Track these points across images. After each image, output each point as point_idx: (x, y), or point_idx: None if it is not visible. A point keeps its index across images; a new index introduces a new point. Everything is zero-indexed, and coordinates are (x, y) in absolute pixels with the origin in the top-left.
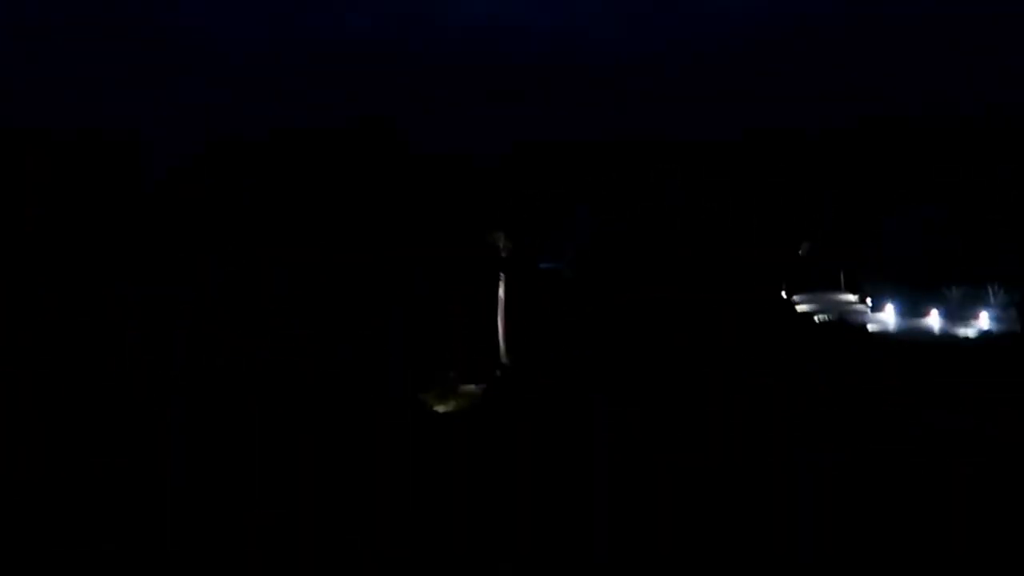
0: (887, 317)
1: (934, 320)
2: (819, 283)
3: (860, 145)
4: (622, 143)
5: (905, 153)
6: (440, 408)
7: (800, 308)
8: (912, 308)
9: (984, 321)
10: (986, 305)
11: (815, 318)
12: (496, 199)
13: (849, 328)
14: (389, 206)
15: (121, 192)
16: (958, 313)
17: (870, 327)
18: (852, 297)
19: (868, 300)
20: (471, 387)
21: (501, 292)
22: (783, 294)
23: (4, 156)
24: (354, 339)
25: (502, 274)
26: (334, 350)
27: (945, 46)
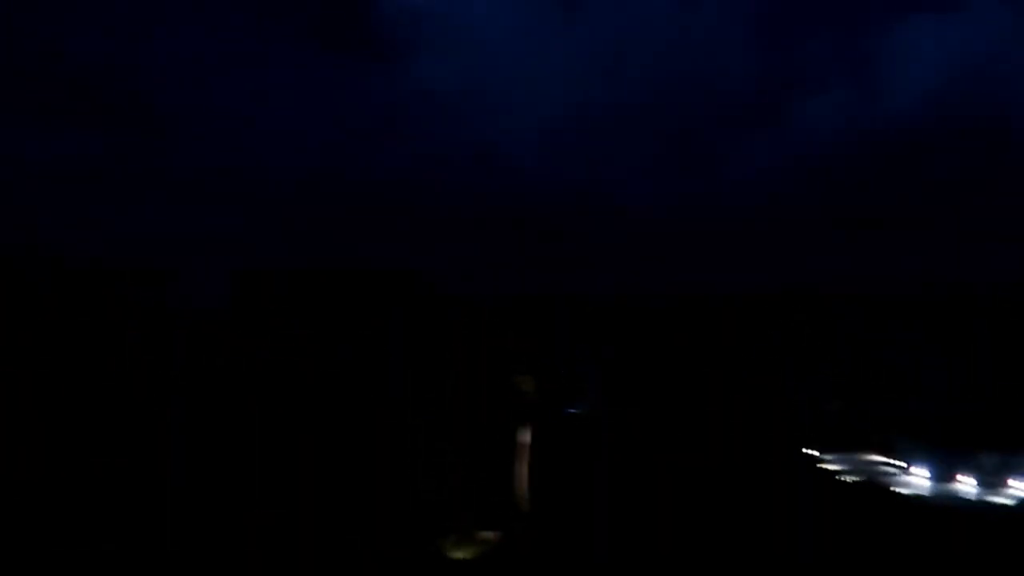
0: (919, 480)
1: (968, 485)
2: (851, 442)
3: (895, 307)
4: (648, 296)
5: (944, 317)
6: (457, 555)
7: (829, 467)
8: (945, 471)
9: (1017, 488)
10: (1019, 472)
11: (843, 478)
12: (523, 344)
13: (878, 490)
14: (417, 349)
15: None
16: (992, 479)
17: (901, 490)
18: (883, 458)
19: (900, 461)
20: (489, 534)
21: (526, 437)
22: (807, 451)
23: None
24: (374, 484)
25: (527, 419)
26: (356, 493)
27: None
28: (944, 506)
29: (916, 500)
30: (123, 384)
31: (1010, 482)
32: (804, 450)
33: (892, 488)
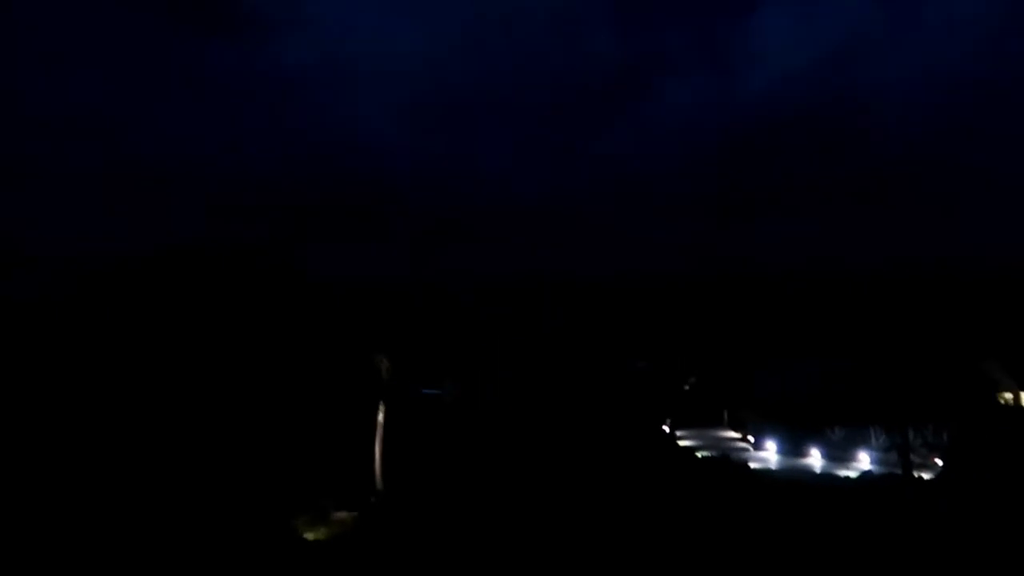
0: (769, 455)
1: (815, 460)
2: (704, 419)
3: (749, 291)
4: (511, 278)
5: (791, 301)
6: (310, 535)
7: (683, 443)
8: (794, 447)
9: (865, 462)
10: (867, 447)
11: (697, 454)
12: (380, 324)
13: (730, 464)
14: (274, 331)
15: None
16: (839, 454)
17: (752, 465)
18: (735, 434)
19: (751, 438)
20: (343, 514)
21: (380, 416)
22: (665, 428)
23: None
24: (223, 460)
25: (382, 398)
26: (201, 470)
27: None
28: (791, 480)
29: (765, 474)
30: None
31: (860, 455)
32: (660, 427)
33: (743, 463)
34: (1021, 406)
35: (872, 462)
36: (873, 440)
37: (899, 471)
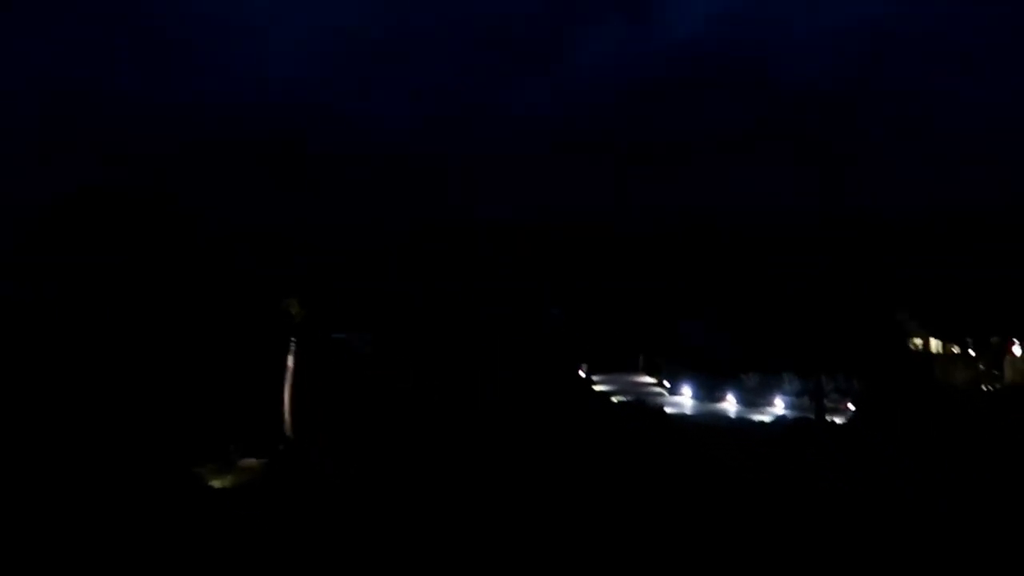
0: (684, 400)
1: (730, 405)
2: (619, 365)
3: (662, 239)
4: (423, 220)
5: (703, 249)
6: (216, 483)
7: (599, 388)
8: (709, 392)
9: (779, 407)
10: (781, 392)
11: (613, 399)
12: (290, 265)
13: (646, 409)
14: (170, 267)
15: None
16: (754, 399)
17: (668, 409)
18: (650, 379)
19: (666, 383)
20: (252, 461)
21: (290, 361)
22: (581, 373)
23: None
24: (121, 402)
25: (292, 342)
26: (99, 416)
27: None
28: (707, 424)
29: (681, 419)
30: None
31: (774, 400)
32: (576, 372)
33: (659, 407)
34: (930, 352)
35: (786, 407)
36: (787, 386)
37: (812, 416)
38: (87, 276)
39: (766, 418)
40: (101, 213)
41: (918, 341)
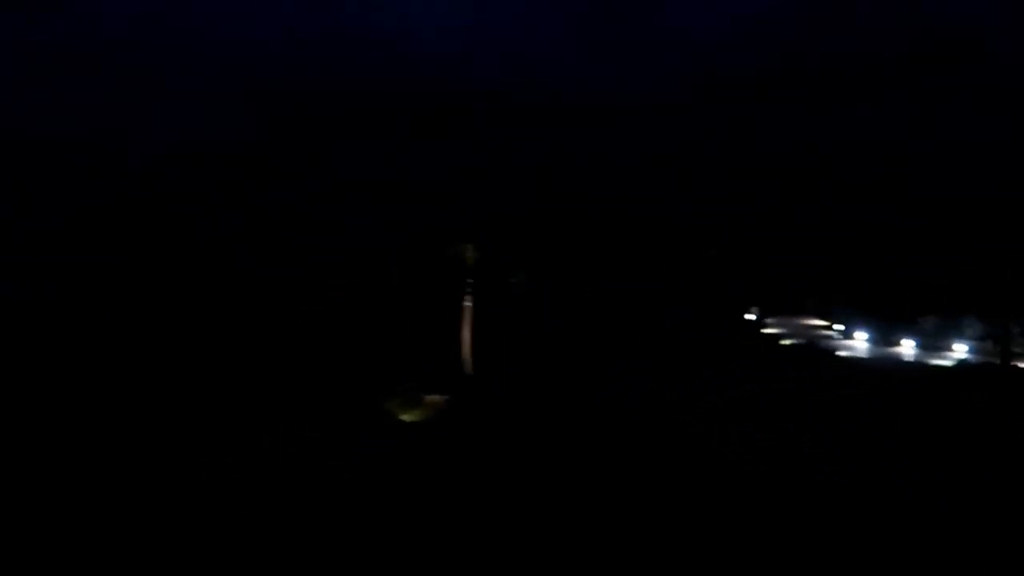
0: (858, 344)
1: (907, 349)
2: (789, 307)
3: (834, 174)
4: (591, 167)
5: (880, 185)
6: (406, 417)
7: (769, 331)
8: (884, 336)
9: (960, 351)
10: (962, 336)
11: (782, 341)
12: (467, 212)
13: (818, 352)
14: (352, 216)
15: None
16: (932, 343)
17: (840, 353)
18: (821, 322)
19: (839, 326)
20: (436, 397)
21: (468, 303)
22: (750, 316)
23: None
24: (321, 345)
25: (469, 286)
26: (301, 357)
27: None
28: (882, 368)
29: (855, 362)
30: None
31: (953, 345)
32: (745, 314)
33: (832, 351)
34: None
35: (968, 352)
36: (968, 329)
37: (997, 361)
38: (280, 220)
39: (946, 363)
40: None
41: None
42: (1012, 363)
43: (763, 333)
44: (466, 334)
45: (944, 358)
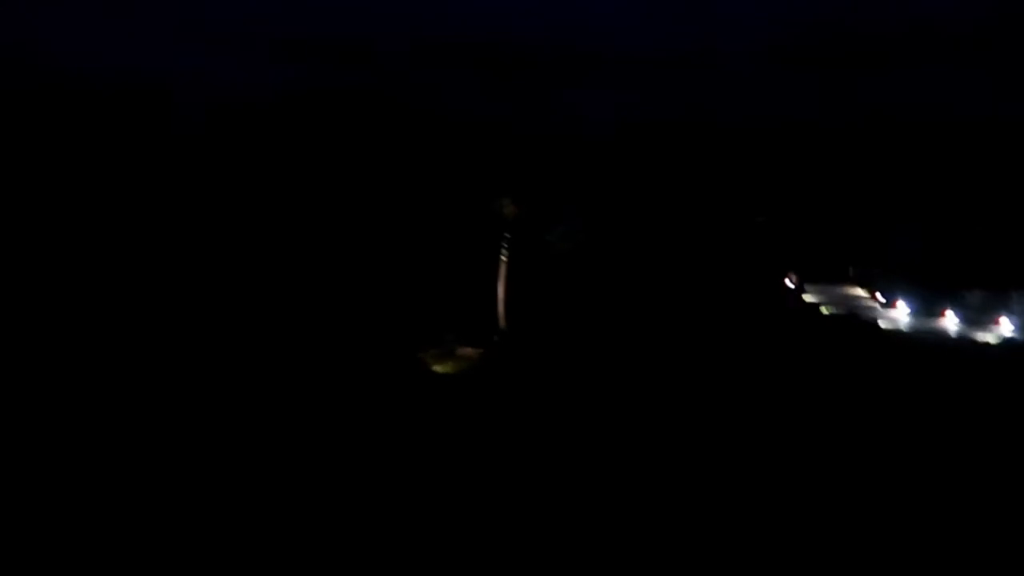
0: (899, 315)
1: (950, 322)
2: (829, 276)
3: (877, 142)
4: (632, 126)
5: (927, 153)
6: (439, 369)
7: (809, 299)
8: (927, 308)
9: (1005, 327)
10: (1007, 311)
11: (822, 309)
12: (505, 166)
13: (858, 322)
14: (392, 168)
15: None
16: (976, 317)
17: (881, 324)
18: (863, 292)
19: (880, 296)
20: (469, 350)
21: (504, 258)
22: (788, 282)
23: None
24: (355, 298)
25: (505, 241)
26: (336, 309)
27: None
28: (924, 341)
29: (896, 335)
30: None
31: (999, 320)
32: (785, 281)
33: (872, 321)
34: None
35: (1015, 328)
36: (1015, 305)
37: None
38: (314, 172)
39: (991, 338)
40: (327, 112)
41: None
42: None
43: (804, 301)
44: (501, 289)
45: (989, 333)
